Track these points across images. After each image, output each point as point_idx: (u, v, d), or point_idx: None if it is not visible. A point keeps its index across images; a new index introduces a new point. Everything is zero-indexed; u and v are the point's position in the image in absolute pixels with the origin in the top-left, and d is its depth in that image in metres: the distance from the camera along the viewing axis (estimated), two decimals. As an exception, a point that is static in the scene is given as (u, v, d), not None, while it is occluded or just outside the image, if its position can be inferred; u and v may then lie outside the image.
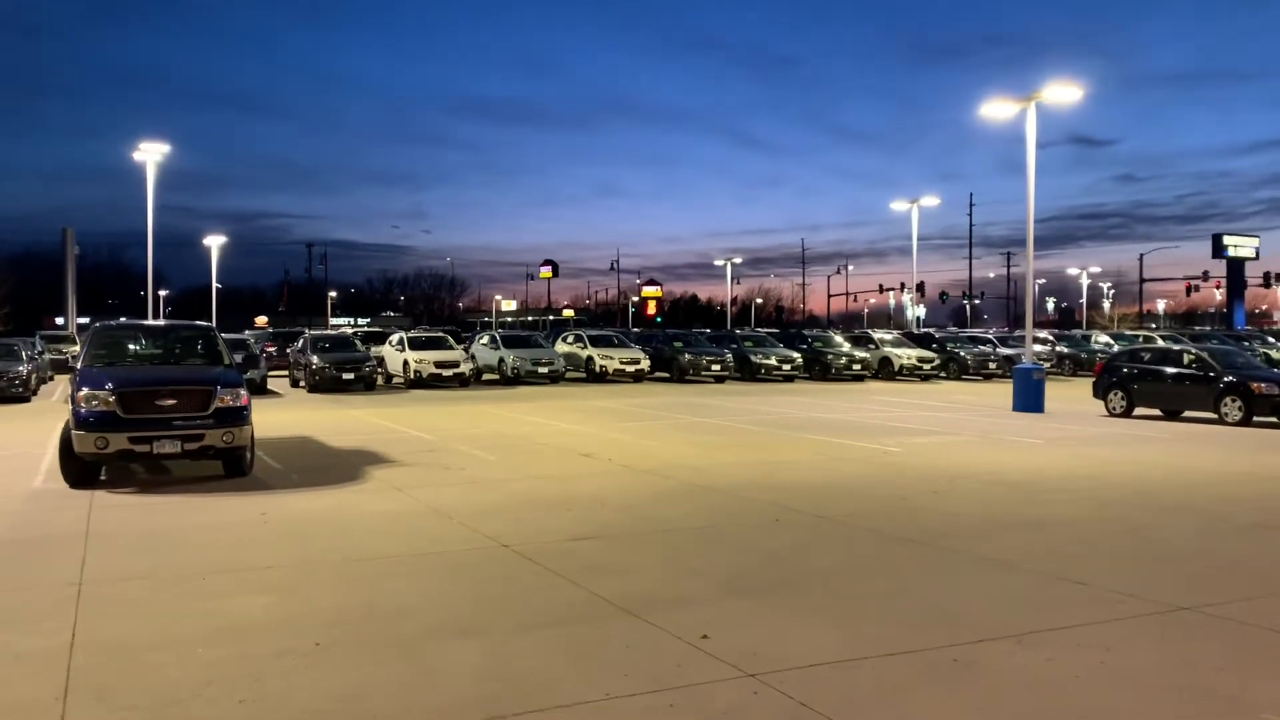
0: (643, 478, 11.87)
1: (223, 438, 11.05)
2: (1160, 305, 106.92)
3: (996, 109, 23.09)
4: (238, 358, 13.46)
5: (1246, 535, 8.81)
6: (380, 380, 28.92)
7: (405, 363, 29.22)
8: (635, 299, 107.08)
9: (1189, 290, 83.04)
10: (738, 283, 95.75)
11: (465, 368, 29.31)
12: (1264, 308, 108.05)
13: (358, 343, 30.74)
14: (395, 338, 32.09)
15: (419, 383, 28.58)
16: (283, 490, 10.84)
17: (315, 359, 27.10)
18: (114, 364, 12.01)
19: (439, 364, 28.92)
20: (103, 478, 11.34)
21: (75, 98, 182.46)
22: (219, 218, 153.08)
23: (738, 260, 73.19)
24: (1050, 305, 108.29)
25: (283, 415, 19.66)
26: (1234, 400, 18.61)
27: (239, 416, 11.22)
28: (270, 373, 29.27)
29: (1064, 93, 21.95)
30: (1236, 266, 68.40)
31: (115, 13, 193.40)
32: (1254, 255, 68.82)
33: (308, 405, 22.64)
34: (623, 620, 6.02)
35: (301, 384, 28.12)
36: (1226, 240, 67.85)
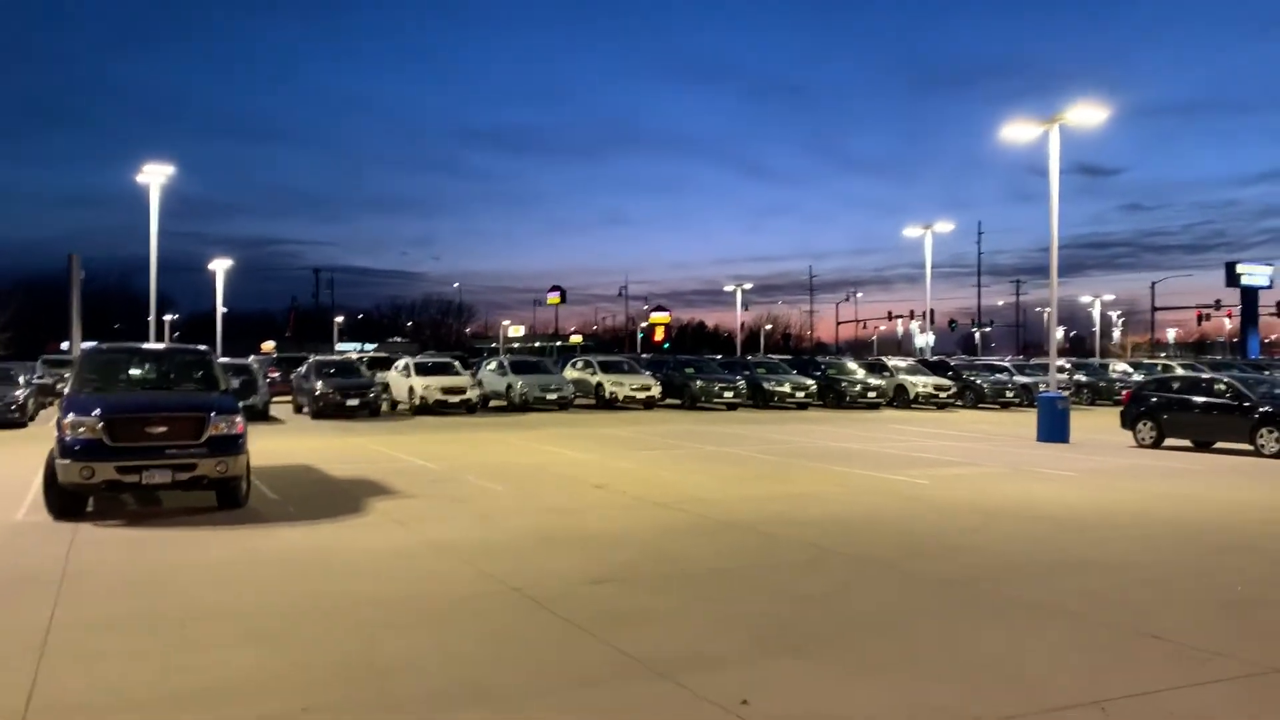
0: (660, 511, 11.19)
1: (216, 467, 10.42)
2: (1170, 334, 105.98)
3: (1018, 131, 22.48)
4: (236, 383, 12.78)
5: (1321, 580, 8.10)
6: (385, 406, 28.28)
7: (411, 388, 28.59)
8: (643, 325, 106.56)
9: (1200, 319, 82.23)
10: (746, 309, 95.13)
11: (472, 394, 28.67)
12: (1275, 337, 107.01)
13: (363, 368, 30.11)
14: (401, 363, 31.44)
15: (425, 409, 27.92)
16: (278, 523, 10.19)
17: (319, 384, 26.46)
18: (103, 389, 11.38)
19: (445, 390, 28.26)
20: (90, 509, 10.71)
21: (86, 124, 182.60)
22: (229, 243, 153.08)
23: (748, 286, 72.58)
24: (1060, 333, 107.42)
25: (283, 443, 19.02)
26: (1271, 431, 17.87)
27: (234, 445, 10.59)
28: (274, 399, 28.66)
29: (1087, 114, 21.37)
30: (1251, 295, 67.73)
31: (126, 40, 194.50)
32: (1268, 284, 68.14)
33: (310, 432, 22.00)
34: (650, 683, 5.34)
35: (305, 410, 27.48)
36: (1240, 268, 67.20)
